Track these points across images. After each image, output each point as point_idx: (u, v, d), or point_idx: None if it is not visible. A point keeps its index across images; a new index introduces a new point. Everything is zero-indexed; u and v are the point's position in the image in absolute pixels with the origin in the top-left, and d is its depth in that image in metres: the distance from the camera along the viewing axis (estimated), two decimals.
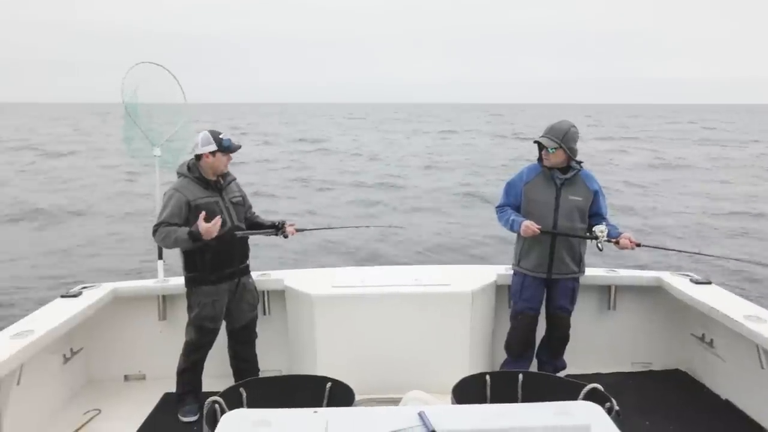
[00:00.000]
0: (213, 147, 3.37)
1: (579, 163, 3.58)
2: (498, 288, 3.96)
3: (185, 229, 3.26)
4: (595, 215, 3.62)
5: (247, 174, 19.37)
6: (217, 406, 2.34)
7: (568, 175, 3.56)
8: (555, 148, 3.47)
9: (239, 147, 3.49)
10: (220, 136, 3.39)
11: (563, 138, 3.47)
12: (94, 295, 3.71)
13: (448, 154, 28.55)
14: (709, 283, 3.85)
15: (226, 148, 3.39)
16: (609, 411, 2.08)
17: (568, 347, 3.82)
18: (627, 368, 4.08)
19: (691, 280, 3.88)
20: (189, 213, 3.33)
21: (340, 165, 24.79)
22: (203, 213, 3.23)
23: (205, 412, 2.33)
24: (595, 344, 4.08)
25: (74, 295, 3.68)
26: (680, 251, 4.23)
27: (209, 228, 3.19)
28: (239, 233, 3.45)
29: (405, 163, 25.02)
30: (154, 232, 3.33)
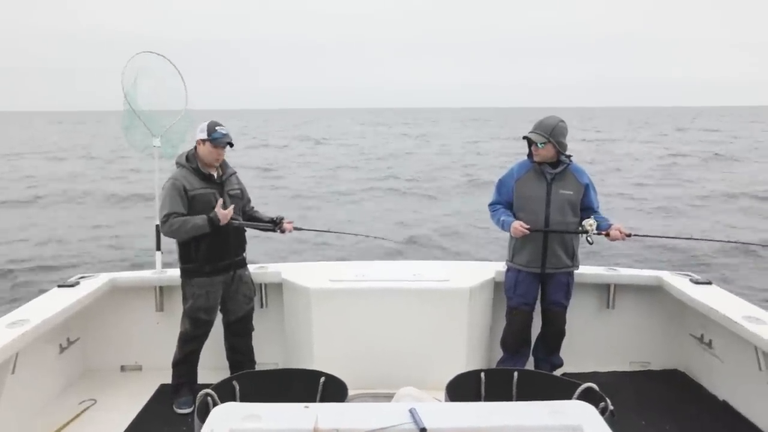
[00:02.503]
0: (204, 136, 3.37)
1: (568, 157, 3.60)
2: (496, 285, 3.94)
3: (203, 216, 3.26)
4: (587, 209, 3.64)
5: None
6: (209, 398, 2.33)
7: (558, 170, 3.57)
8: (544, 143, 3.49)
9: (228, 143, 3.41)
10: (216, 128, 3.38)
11: (551, 132, 3.49)
12: (91, 285, 3.71)
13: None
14: (710, 283, 3.82)
15: (213, 139, 3.37)
16: (603, 411, 2.07)
17: (565, 345, 3.81)
18: (625, 367, 4.06)
19: (691, 280, 3.86)
20: (187, 203, 3.32)
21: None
22: (221, 200, 3.33)
23: (197, 404, 2.32)
24: (593, 343, 4.06)
25: (71, 285, 3.68)
26: (672, 237, 4.25)
27: (226, 214, 3.27)
28: (236, 222, 3.43)
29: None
30: (164, 222, 3.30)
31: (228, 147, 3.45)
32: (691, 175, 21.12)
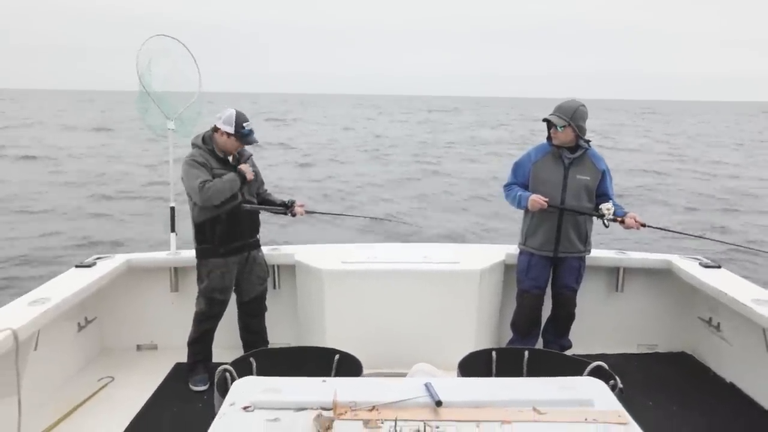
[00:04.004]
0: (230, 130, 3.37)
1: (587, 142, 3.59)
2: (506, 267, 3.98)
3: (231, 173, 3.36)
4: (602, 195, 3.64)
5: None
6: (227, 374, 2.40)
7: (576, 154, 3.57)
8: (563, 126, 3.48)
9: (255, 142, 3.48)
10: (244, 124, 3.38)
11: (572, 116, 3.48)
12: (108, 265, 3.78)
13: None
14: (719, 266, 3.84)
15: (242, 137, 3.40)
16: (613, 388, 2.11)
17: (574, 328, 3.85)
18: (633, 350, 4.11)
19: (701, 264, 3.88)
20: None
21: None
22: (247, 166, 3.49)
23: (216, 379, 2.38)
24: (601, 325, 4.10)
25: (89, 265, 3.75)
26: (685, 234, 4.28)
27: (251, 172, 3.47)
28: (248, 207, 3.48)
29: None
30: (200, 189, 3.27)
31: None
32: None
